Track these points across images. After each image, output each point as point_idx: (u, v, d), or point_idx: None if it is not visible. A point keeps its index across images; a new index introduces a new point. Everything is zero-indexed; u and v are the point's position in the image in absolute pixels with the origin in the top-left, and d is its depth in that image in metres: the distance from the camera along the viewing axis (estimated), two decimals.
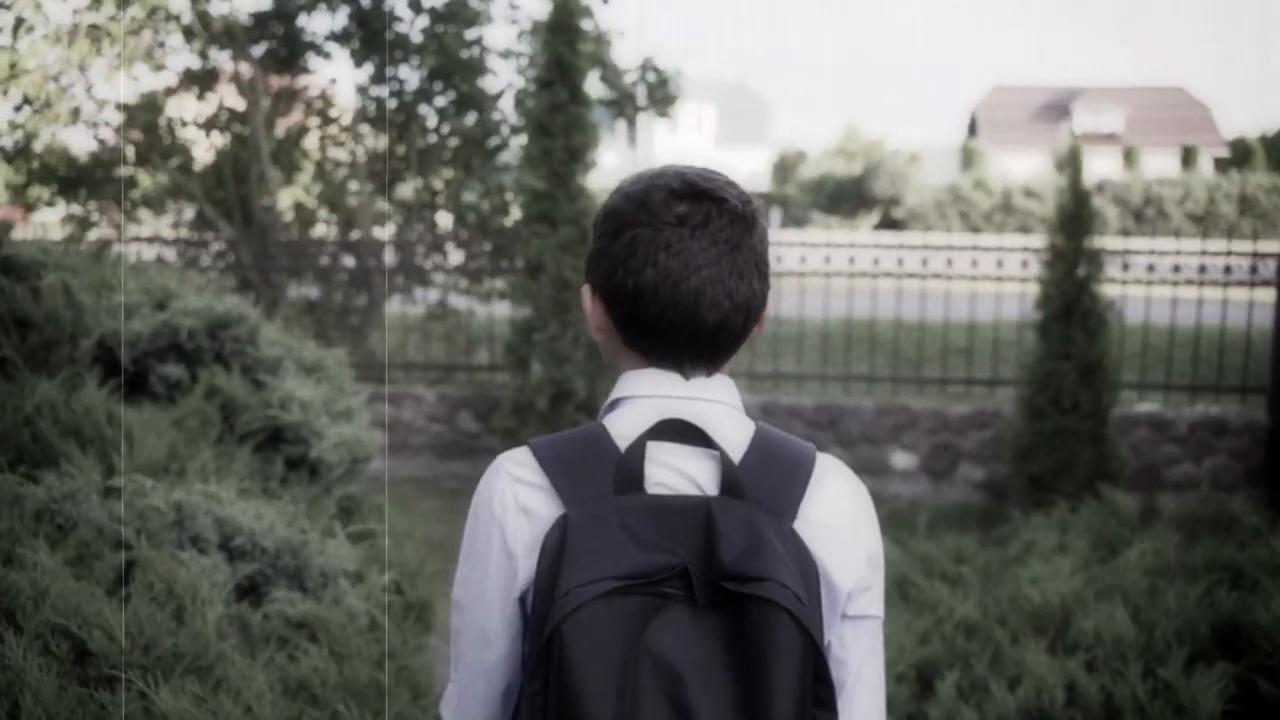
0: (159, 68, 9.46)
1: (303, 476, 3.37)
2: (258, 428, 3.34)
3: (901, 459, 7.47)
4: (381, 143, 10.11)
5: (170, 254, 9.00)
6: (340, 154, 10.37)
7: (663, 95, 8.61)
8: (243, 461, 3.14)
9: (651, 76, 8.62)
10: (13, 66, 8.57)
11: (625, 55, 8.47)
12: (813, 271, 7.60)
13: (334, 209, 10.32)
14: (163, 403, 3.35)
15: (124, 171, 9.80)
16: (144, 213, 10.16)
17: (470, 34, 9.10)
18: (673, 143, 50.16)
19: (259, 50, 9.63)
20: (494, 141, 9.54)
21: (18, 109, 9.00)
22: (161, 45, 9.47)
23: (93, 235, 9.51)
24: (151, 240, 9.13)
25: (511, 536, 1.22)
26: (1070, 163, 6.00)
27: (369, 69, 9.53)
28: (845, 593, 1.25)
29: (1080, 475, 5.86)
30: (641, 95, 8.57)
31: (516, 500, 1.22)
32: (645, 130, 39.95)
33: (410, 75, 9.56)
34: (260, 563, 2.73)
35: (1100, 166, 34.91)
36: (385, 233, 10.24)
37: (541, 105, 6.16)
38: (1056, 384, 5.95)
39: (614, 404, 1.29)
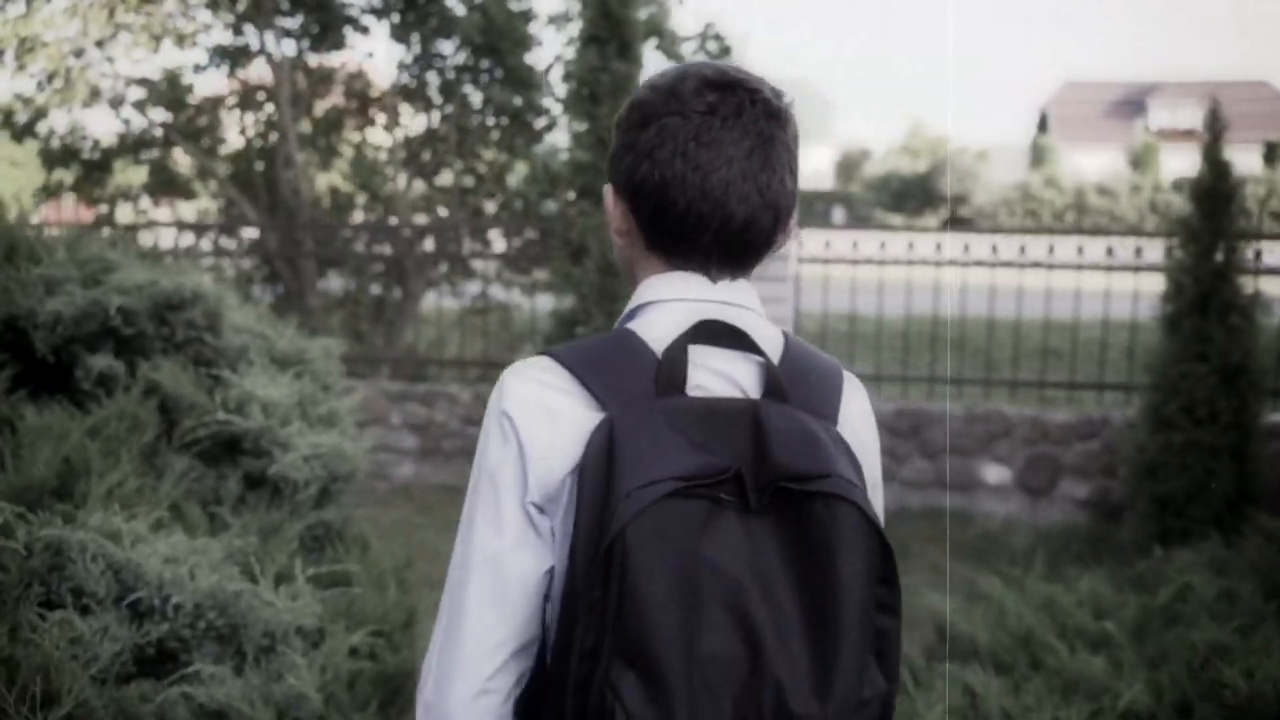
0: (185, 41, 8.84)
1: (263, 498, 2.62)
2: (204, 435, 2.60)
3: (994, 472, 6.58)
4: (420, 123, 9.41)
5: (202, 243, 8.30)
6: (378, 136, 9.68)
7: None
8: (173, 480, 2.40)
9: (713, 45, 7.78)
10: (24, 41, 7.97)
11: (684, 24, 7.67)
12: (894, 260, 6.73)
13: (372, 195, 9.64)
14: (90, 403, 2.62)
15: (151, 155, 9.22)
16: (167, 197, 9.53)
17: (516, 4, 8.35)
18: None
19: (293, 23, 8.99)
20: (542, 122, 8.79)
21: (41, 86, 8.42)
22: (189, 18, 8.85)
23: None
24: (179, 226, 8.41)
25: (528, 434, 1.13)
26: (1209, 127, 5.08)
27: (406, 43, 8.84)
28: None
29: (1218, 497, 4.94)
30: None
31: (539, 401, 1.14)
32: None
33: (452, 50, 8.85)
34: (174, 623, 1.99)
35: (1176, 164, 33.60)
36: (421, 219, 9.54)
37: (585, 65, 5.38)
38: (1190, 389, 5.03)
39: (636, 310, 1.22)
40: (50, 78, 8.34)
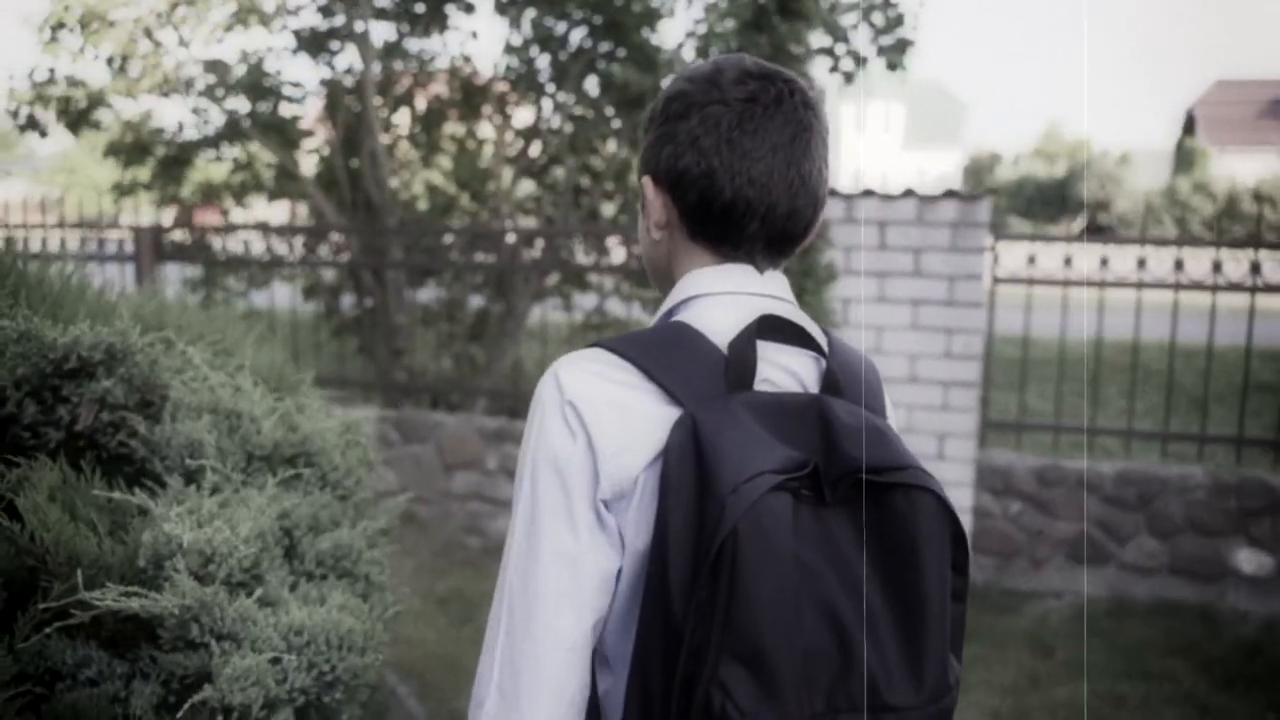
0: (271, 24, 7.83)
1: None
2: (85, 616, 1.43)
3: (1249, 559, 5.09)
4: (528, 114, 8.26)
5: (281, 246, 7.23)
6: (484, 129, 8.56)
7: (895, 41, 6.38)
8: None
9: (879, 18, 6.42)
10: (85, 21, 7.05)
11: None
12: (1117, 281, 5.27)
13: (473, 196, 8.53)
14: None
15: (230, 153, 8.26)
16: (253, 198, 8.56)
17: None
18: (857, 141, 47.53)
19: (388, 1, 7.93)
20: None
21: (118, 70, 7.50)
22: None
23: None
24: (264, 230, 7.33)
25: (597, 431, 1.08)
26: None
27: (514, 22, 7.70)
28: None
29: None
30: (865, 40, 6.38)
31: (605, 395, 1.09)
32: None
33: (566, 28, 7.67)
34: None
35: None
36: (529, 222, 8.39)
37: (744, 18, 4.08)
38: None
39: (684, 303, 1.20)
40: (120, 61, 7.41)
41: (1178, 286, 5.17)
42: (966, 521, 5.29)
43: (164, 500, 1.65)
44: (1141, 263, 5.19)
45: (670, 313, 1.21)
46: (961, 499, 5.27)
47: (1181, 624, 4.92)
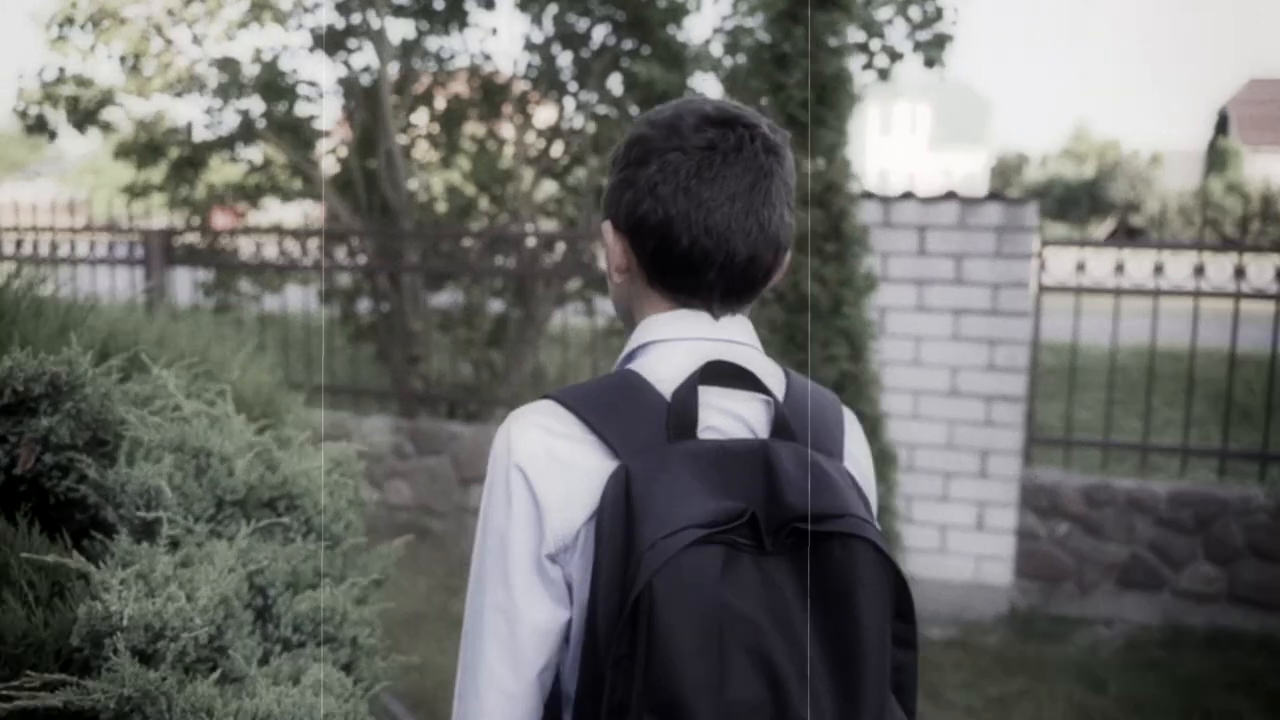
0: (285, 21, 7.62)
1: None
2: None
3: None
4: (550, 113, 8.00)
5: (295, 250, 6.99)
6: (504, 128, 8.32)
7: (933, 36, 6.08)
8: None
9: (916, 12, 6.12)
10: (94, 19, 6.84)
11: None
12: (1175, 290, 4.95)
13: (493, 198, 8.29)
14: None
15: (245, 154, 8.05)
16: (268, 200, 8.34)
17: None
18: (883, 143, 47.04)
19: None
20: None
21: (132, 68, 7.29)
22: None
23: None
24: (279, 233, 7.07)
25: (542, 487, 1.10)
26: None
27: (535, 19, 7.45)
28: None
29: None
30: (901, 34, 6.07)
31: (548, 451, 1.11)
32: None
33: (588, 24, 7.42)
34: None
35: None
36: (550, 225, 8.14)
37: (776, 9, 3.80)
38: None
39: (638, 350, 1.20)
40: (133, 59, 7.21)
41: (1238, 295, 4.86)
42: (1009, 544, 5.00)
43: (109, 562, 1.40)
44: (1199, 270, 4.88)
45: (629, 358, 1.21)
46: (1005, 520, 4.98)
47: (1242, 656, 4.61)
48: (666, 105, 1.22)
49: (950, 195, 4.88)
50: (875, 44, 6.23)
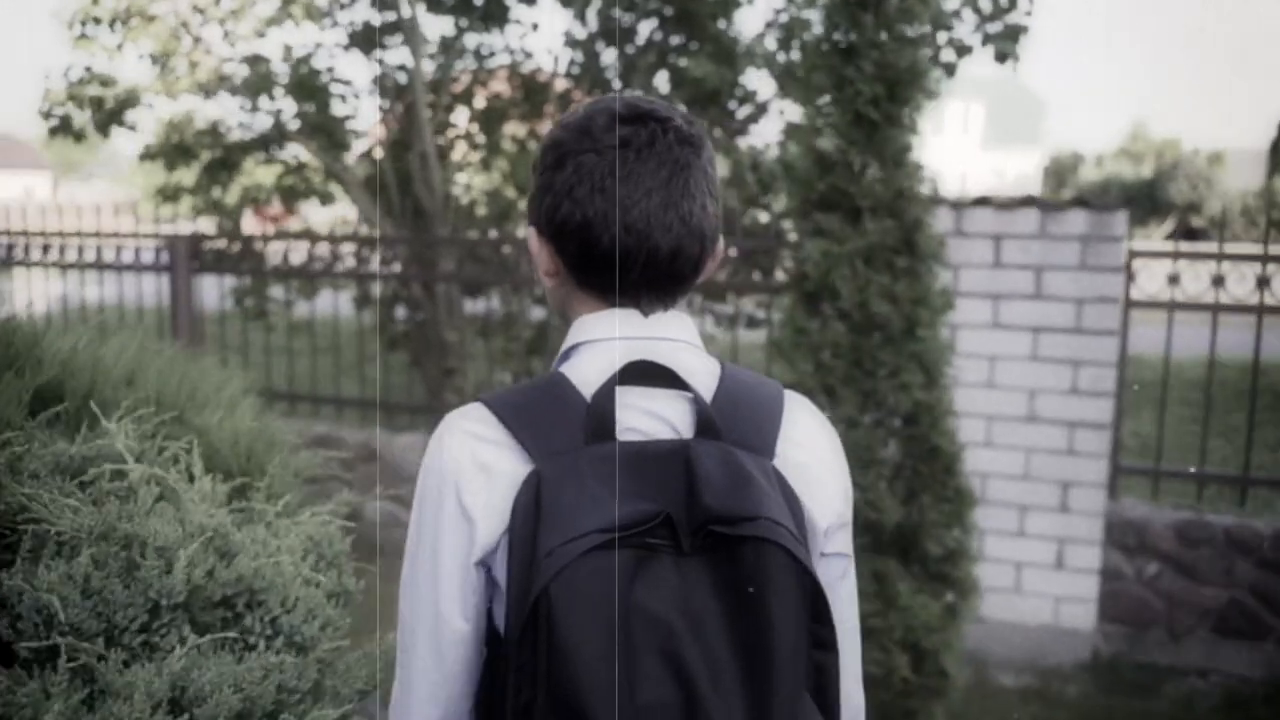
0: (321, 19, 7.32)
1: None
2: None
3: None
4: None
5: (327, 255, 6.66)
6: (545, 129, 7.97)
7: (1004, 27, 5.63)
8: None
9: (986, 3, 5.67)
10: (121, 17, 6.57)
11: None
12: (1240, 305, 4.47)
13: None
14: None
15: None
16: (304, 203, 8.05)
17: None
18: (934, 143, 46.24)
19: None
20: (747, 109, 6.87)
21: (161, 68, 7.03)
22: None
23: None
24: (311, 238, 6.72)
25: (468, 496, 1.10)
26: None
27: (579, 14, 7.08)
28: (823, 530, 1.18)
29: None
30: (969, 28, 5.62)
31: (474, 457, 1.11)
32: None
33: (635, 20, 7.04)
34: None
35: None
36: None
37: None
38: None
39: (569, 351, 1.20)
40: (162, 59, 6.94)
41: None
42: (1093, 584, 4.55)
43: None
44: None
45: (562, 359, 1.20)
46: (1088, 558, 4.53)
47: None
48: (579, 106, 1.20)
49: (1029, 200, 4.45)
50: (941, 37, 5.80)
